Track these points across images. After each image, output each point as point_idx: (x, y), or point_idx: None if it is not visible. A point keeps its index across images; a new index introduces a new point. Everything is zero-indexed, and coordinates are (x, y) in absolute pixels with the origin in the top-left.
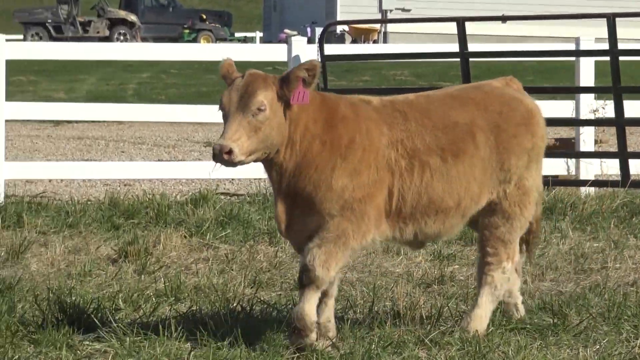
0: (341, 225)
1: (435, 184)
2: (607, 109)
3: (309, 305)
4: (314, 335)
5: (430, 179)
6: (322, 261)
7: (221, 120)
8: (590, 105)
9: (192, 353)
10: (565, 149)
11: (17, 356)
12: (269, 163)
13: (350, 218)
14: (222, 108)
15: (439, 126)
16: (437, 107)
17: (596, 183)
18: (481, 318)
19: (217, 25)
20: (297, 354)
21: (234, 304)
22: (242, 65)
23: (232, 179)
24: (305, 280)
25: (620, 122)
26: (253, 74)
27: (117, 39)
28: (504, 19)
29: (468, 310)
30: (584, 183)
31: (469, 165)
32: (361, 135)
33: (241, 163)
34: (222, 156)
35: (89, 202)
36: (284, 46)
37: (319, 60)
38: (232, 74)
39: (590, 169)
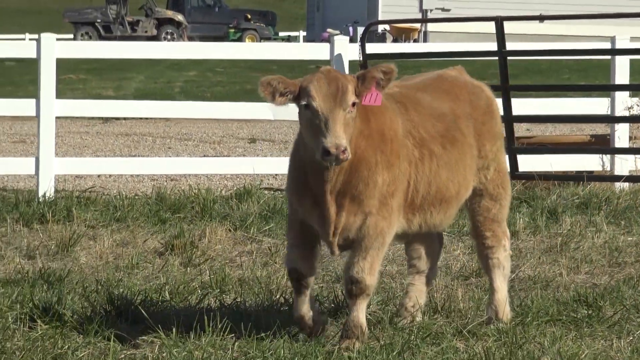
0: (379, 225)
1: (441, 172)
2: None
3: (363, 313)
4: (364, 340)
5: (436, 167)
6: (368, 269)
7: (265, 118)
8: (625, 103)
9: (237, 343)
10: (600, 145)
11: (66, 346)
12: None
13: (385, 215)
14: (312, 101)
15: (433, 115)
16: (423, 97)
17: (630, 178)
18: (504, 301)
19: (261, 24)
20: (340, 345)
21: (277, 296)
22: (287, 64)
23: (276, 175)
24: (356, 291)
25: None
26: (332, 70)
27: (165, 38)
28: (541, 18)
29: (488, 300)
30: (619, 178)
31: (462, 152)
32: (387, 127)
33: None
34: (340, 155)
35: (136, 197)
36: (327, 45)
37: (361, 58)
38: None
39: (624, 164)
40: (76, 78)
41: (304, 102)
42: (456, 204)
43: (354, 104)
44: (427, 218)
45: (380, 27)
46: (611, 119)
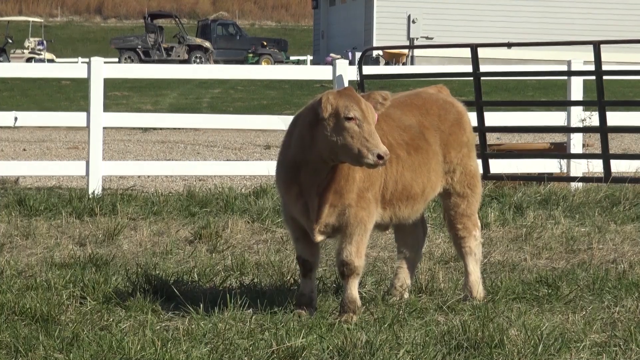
0: (358, 215)
1: (406, 173)
2: (593, 119)
3: (356, 290)
4: (359, 313)
5: (402, 169)
6: (355, 252)
7: (278, 128)
8: (579, 116)
9: (254, 317)
10: (559, 151)
11: (111, 319)
12: (325, 164)
13: (363, 206)
14: (359, 115)
15: (400, 126)
16: (394, 112)
17: (583, 179)
18: (477, 282)
19: (275, 50)
20: (339, 319)
21: (288, 277)
22: (296, 83)
23: None
24: (347, 272)
25: (603, 129)
26: (353, 89)
27: (194, 62)
28: (509, 45)
29: (463, 283)
30: (574, 179)
31: (426, 158)
32: None
33: None
34: (388, 158)
35: (170, 194)
36: (330, 67)
37: (358, 78)
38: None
39: (579, 167)
40: (120, 94)
41: (349, 115)
42: (422, 201)
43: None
44: (396, 211)
45: (375, 52)
46: (567, 130)
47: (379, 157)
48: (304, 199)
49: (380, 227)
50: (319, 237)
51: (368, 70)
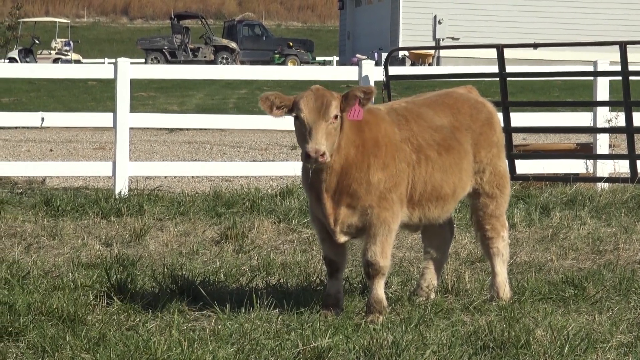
0: (381, 216)
1: (436, 174)
2: (619, 119)
3: (382, 290)
4: (385, 313)
5: (432, 170)
6: (380, 252)
7: None
8: (605, 116)
9: (280, 317)
10: (585, 151)
11: (138, 319)
12: (321, 167)
13: (386, 206)
14: (300, 113)
15: (432, 126)
16: (425, 112)
17: (610, 180)
18: (504, 283)
19: (301, 50)
20: (366, 319)
21: (314, 278)
22: (322, 83)
23: None
24: (373, 272)
25: (630, 130)
26: (321, 88)
27: (221, 62)
28: (535, 45)
29: (490, 282)
30: (600, 180)
31: (458, 158)
32: (381, 135)
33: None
34: (319, 158)
35: (196, 195)
36: (356, 68)
37: (384, 79)
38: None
39: (605, 168)
40: (146, 95)
41: (294, 114)
42: (453, 201)
43: (336, 117)
44: (425, 212)
45: (401, 53)
46: (594, 130)
47: (306, 155)
48: (322, 202)
49: (410, 227)
50: (342, 238)
51: (394, 70)
